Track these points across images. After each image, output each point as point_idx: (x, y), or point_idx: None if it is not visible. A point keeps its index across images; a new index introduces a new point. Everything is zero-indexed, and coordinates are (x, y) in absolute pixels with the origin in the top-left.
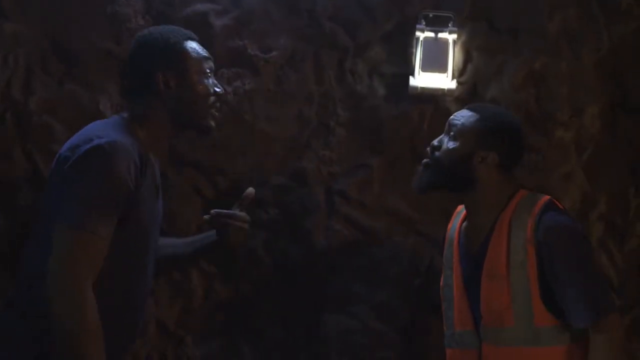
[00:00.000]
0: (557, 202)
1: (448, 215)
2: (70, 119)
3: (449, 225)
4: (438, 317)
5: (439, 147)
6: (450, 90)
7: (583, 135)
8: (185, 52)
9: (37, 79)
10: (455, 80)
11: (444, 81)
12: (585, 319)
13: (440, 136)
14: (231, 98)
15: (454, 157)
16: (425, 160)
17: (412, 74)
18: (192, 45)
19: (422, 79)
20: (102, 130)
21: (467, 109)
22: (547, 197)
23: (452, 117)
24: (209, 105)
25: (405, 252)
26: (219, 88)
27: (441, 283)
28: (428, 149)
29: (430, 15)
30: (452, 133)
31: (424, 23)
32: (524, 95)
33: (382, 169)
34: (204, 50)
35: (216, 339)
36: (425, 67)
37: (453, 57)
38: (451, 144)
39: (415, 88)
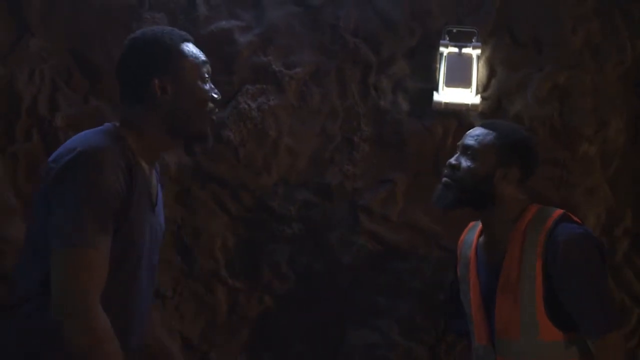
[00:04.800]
0: (571, 215)
1: None
2: None
3: (460, 240)
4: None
5: (458, 167)
6: (474, 105)
7: (608, 149)
8: (182, 55)
9: (63, 95)
10: (479, 95)
11: (468, 96)
12: (598, 331)
13: (456, 155)
14: (255, 114)
15: (477, 176)
16: (445, 179)
17: (436, 89)
18: (189, 47)
19: (446, 94)
20: (87, 138)
21: (482, 126)
22: (561, 210)
23: (467, 136)
24: (207, 111)
25: (428, 267)
26: (216, 93)
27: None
28: (445, 169)
29: (454, 30)
30: (469, 152)
31: (447, 38)
32: (549, 109)
33: (405, 184)
34: (201, 52)
35: (240, 354)
36: (449, 82)
37: (477, 72)
38: (471, 164)
39: (439, 103)
